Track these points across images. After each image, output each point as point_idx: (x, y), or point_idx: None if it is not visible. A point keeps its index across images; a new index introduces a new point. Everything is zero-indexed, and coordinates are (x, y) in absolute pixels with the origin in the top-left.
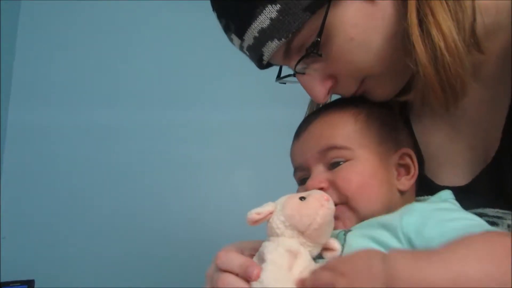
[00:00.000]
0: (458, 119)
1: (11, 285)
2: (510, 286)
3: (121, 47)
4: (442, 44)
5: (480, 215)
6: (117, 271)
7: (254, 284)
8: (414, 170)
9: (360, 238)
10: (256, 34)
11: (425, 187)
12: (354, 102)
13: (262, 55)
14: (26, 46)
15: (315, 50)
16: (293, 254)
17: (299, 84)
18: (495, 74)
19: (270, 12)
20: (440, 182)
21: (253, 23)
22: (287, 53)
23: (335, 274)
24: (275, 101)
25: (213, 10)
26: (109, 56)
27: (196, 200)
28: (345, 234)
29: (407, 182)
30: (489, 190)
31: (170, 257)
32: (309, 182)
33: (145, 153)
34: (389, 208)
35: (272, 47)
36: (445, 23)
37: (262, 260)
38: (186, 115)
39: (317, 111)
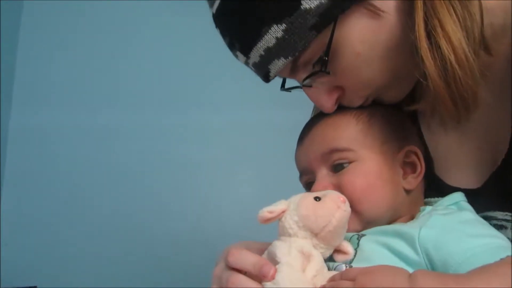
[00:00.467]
0: (466, 121)
1: None
2: None
3: (122, 49)
4: (452, 57)
5: (489, 218)
6: (119, 275)
7: (267, 284)
8: (421, 168)
9: (374, 244)
10: (262, 53)
11: (436, 187)
12: None
13: (268, 72)
14: (27, 48)
15: (322, 68)
16: (306, 256)
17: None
18: (503, 75)
19: (276, 31)
20: (450, 182)
21: (259, 42)
22: (293, 69)
23: (355, 285)
24: (276, 102)
25: (216, 27)
26: (110, 58)
27: (197, 201)
28: (358, 239)
29: (413, 181)
30: (498, 193)
31: (172, 259)
32: (314, 187)
33: (146, 155)
34: (395, 209)
35: (278, 65)
36: (454, 35)
37: (273, 260)
38: (187, 116)
39: (319, 114)
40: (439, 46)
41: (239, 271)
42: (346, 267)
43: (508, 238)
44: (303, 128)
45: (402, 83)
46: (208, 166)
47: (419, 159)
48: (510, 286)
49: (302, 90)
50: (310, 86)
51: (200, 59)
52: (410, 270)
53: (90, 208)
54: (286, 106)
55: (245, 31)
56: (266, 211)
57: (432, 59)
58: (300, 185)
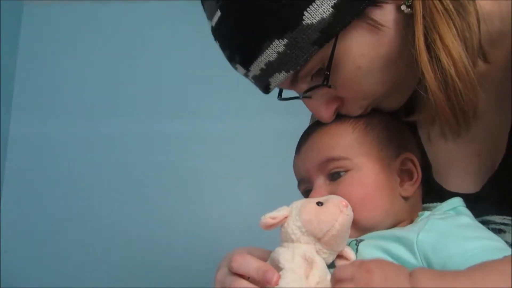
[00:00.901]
0: (465, 132)
1: None
2: None
3: (122, 57)
4: (452, 70)
5: (488, 222)
6: (119, 283)
7: None
8: (417, 175)
9: (373, 249)
10: (263, 66)
11: (435, 193)
12: None
13: (268, 84)
14: (27, 56)
15: (324, 82)
16: (309, 263)
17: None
18: (500, 81)
19: (278, 46)
20: (449, 188)
21: (260, 56)
22: (293, 81)
23: (355, 285)
24: (276, 110)
25: (216, 39)
26: (110, 67)
27: (198, 210)
28: (357, 244)
29: (410, 188)
30: (496, 197)
31: (173, 266)
32: (311, 195)
33: (146, 163)
34: (393, 216)
35: (279, 78)
36: (454, 48)
37: (276, 267)
38: (187, 125)
39: (316, 123)
40: (439, 60)
41: (242, 276)
42: None
43: (508, 242)
44: (300, 137)
45: (401, 92)
46: (208, 174)
47: (415, 166)
48: (510, 283)
49: (300, 99)
50: (310, 98)
51: (200, 67)
52: None
53: (90, 216)
54: (286, 113)
55: (246, 45)
56: (269, 217)
57: (432, 72)
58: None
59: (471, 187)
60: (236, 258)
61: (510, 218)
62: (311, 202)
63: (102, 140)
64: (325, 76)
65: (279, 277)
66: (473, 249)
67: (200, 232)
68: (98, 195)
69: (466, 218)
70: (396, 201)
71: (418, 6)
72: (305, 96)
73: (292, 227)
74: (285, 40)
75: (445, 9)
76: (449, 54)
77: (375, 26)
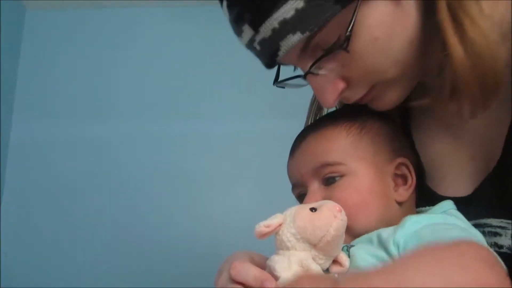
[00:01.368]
0: (459, 129)
1: None
2: None
3: (123, 60)
4: (478, 38)
5: (484, 225)
6: (120, 284)
7: None
8: (412, 180)
9: (364, 254)
10: (276, 26)
11: (427, 198)
12: (347, 114)
13: (278, 49)
14: (29, 60)
15: (344, 45)
16: (305, 270)
17: (298, 95)
18: None
19: (297, 1)
20: (442, 192)
21: (275, 13)
22: (304, 50)
23: None
24: (276, 112)
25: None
26: (111, 69)
27: (199, 211)
28: (347, 250)
29: (404, 193)
30: (492, 200)
31: (173, 269)
32: (306, 200)
33: (146, 166)
34: (387, 221)
35: (292, 41)
36: (481, 19)
37: (273, 275)
38: (187, 127)
39: (310, 126)
40: (465, 29)
41: (242, 283)
42: None
43: (503, 245)
44: (294, 140)
45: (406, 82)
46: (208, 175)
47: (409, 171)
48: (422, 281)
49: (295, 88)
50: (317, 74)
51: (200, 68)
52: None
53: (91, 218)
54: (287, 118)
55: (260, 0)
56: (263, 226)
57: (457, 39)
58: None
59: (465, 191)
60: (235, 265)
61: (507, 221)
62: (304, 208)
63: (102, 142)
64: (345, 38)
65: (277, 286)
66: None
67: (200, 233)
68: (98, 197)
69: (445, 216)
70: (390, 206)
71: None
72: (311, 71)
73: (287, 235)
74: None
75: None
76: (476, 24)
77: None
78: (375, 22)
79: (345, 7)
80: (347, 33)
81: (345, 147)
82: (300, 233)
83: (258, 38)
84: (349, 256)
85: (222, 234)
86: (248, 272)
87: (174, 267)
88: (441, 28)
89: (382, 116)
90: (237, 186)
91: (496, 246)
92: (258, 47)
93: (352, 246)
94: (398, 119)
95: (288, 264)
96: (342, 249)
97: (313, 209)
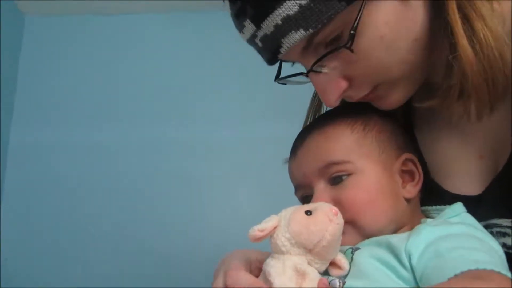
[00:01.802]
0: (465, 128)
1: None
2: None
3: (122, 65)
4: (489, 39)
5: (492, 225)
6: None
7: None
8: (419, 176)
9: (368, 258)
10: (279, 22)
11: (435, 194)
12: (349, 111)
13: (280, 46)
14: (28, 65)
15: (348, 44)
16: (301, 274)
17: (299, 98)
18: None
19: None
20: (449, 189)
21: (278, 9)
22: (306, 48)
23: None
24: (276, 116)
25: None
26: (110, 74)
27: (198, 216)
28: (352, 252)
29: (412, 189)
30: (501, 199)
31: (173, 274)
32: (313, 202)
33: (146, 170)
34: (397, 220)
35: (295, 38)
36: (491, 19)
37: (267, 281)
38: (187, 131)
39: (311, 125)
40: (475, 30)
41: None
42: (340, 281)
43: (507, 244)
44: (295, 140)
45: (410, 82)
46: (209, 180)
47: (416, 166)
48: None
49: (297, 84)
50: (319, 72)
51: (200, 73)
52: (403, 284)
53: (90, 223)
54: (287, 121)
55: None
56: (257, 230)
57: (467, 40)
58: None
59: (472, 190)
60: (231, 274)
61: None
62: (300, 211)
63: (102, 146)
64: (349, 36)
65: None
66: (445, 261)
67: (201, 237)
68: (98, 201)
69: (461, 227)
70: (399, 204)
71: None
72: (314, 69)
73: (282, 239)
74: None
75: None
76: (486, 25)
77: None
78: (380, 21)
79: (350, 4)
80: (352, 32)
81: (351, 145)
82: (295, 238)
83: (260, 34)
84: (352, 259)
85: (223, 238)
86: (243, 281)
87: (174, 270)
88: (451, 29)
89: (384, 113)
90: (238, 190)
91: (505, 247)
92: (259, 43)
93: (358, 249)
94: (400, 115)
95: (283, 268)
96: (347, 252)
97: (308, 212)
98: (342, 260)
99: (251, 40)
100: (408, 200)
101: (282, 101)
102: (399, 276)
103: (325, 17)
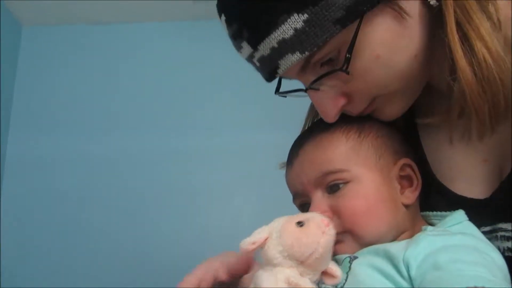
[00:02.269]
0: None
1: None
2: None
3: (120, 77)
4: (489, 60)
5: (498, 230)
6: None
7: None
8: (417, 181)
9: (366, 268)
10: (275, 45)
11: (442, 195)
12: (344, 118)
13: (277, 67)
14: (26, 77)
15: (343, 67)
16: (294, 287)
17: (297, 106)
18: None
19: (296, 21)
20: (455, 191)
21: (274, 32)
22: (304, 68)
23: None
24: (274, 124)
25: (221, 12)
26: (108, 85)
27: (197, 225)
28: (350, 262)
29: (411, 195)
30: (507, 204)
31: (172, 284)
32: (311, 211)
33: (144, 180)
34: (397, 227)
35: (291, 60)
36: (490, 39)
37: None
38: (185, 141)
39: (306, 133)
40: (474, 50)
41: None
42: None
43: (509, 248)
44: (291, 149)
45: (408, 95)
46: (207, 188)
47: (414, 172)
48: None
49: (299, 98)
50: (317, 89)
51: (198, 84)
52: None
53: (89, 233)
54: (284, 127)
55: (259, 18)
56: (248, 243)
57: (467, 62)
58: None
59: (477, 193)
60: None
61: None
62: (291, 222)
63: (100, 157)
64: (345, 59)
65: None
66: (443, 274)
67: (200, 245)
68: (96, 211)
69: (462, 237)
70: (399, 210)
71: None
72: (312, 87)
73: (273, 252)
74: (305, 15)
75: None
76: (485, 45)
77: (401, 14)
78: (376, 41)
79: (345, 27)
80: (347, 55)
81: (346, 153)
82: (287, 251)
83: (257, 55)
84: (350, 268)
85: (222, 245)
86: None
87: (173, 279)
88: (449, 48)
89: (379, 120)
90: (236, 197)
91: (510, 251)
92: (257, 63)
93: (356, 257)
94: (402, 121)
95: (275, 282)
96: (344, 261)
97: (300, 223)
98: (334, 268)
99: (249, 60)
100: (407, 206)
101: (279, 109)
102: (397, 286)
103: (320, 40)
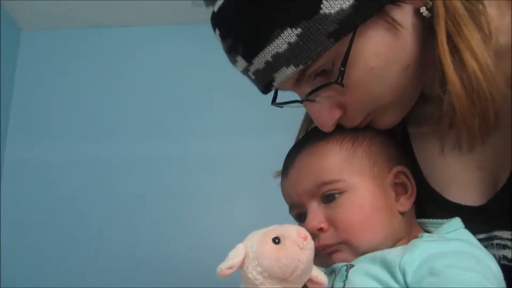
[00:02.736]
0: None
1: None
2: None
3: (118, 82)
4: (478, 73)
5: (493, 238)
6: None
7: None
8: (412, 188)
9: (362, 276)
10: (270, 59)
11: (437, 203)
12: (338, 127)
13: (272, 81)
14: (24, 82)
15: (338, 80)
16: None
17: (295, 111)
18: None
19: (289, 36)
20: (450, 198)
21: (268, 47)
22: (299, 80)
23: None
24: (272, 129)
25: (215, 27)
26: (106, 90)
27: (195, 231)
28: (347, 270)
29: (406, 202)
30: (504, 211)
31: None
32: (308, 223)
33: (143, 186)
34: (393, 235)
35: (286, 73)
36: (480, 52)
37: None
38: (183, 146)
39: (301, 142)
40: (464, 62)
41: None
42: None
43: (507, 256)
44: (286, 159)
45: (403, 105)
46: (205, 194)
47: (409, 179)
48: None
49: (296, 108)
50: (313, 101)
51: (195, 89)
52: None
53: (87, 239)
54: (283, 134)
55: (253, 33)
56: (225, 268)
57: (457, 75)
58: None
59: (472, 200)
60: None
61: None
62: (267, 240)
63: (98, 163)
64: (339, 72)
65: None
66: (439, 280)
67: (198, 251)
68: (94, 217)
69: (458, 244)
70: (394, 218)
71: (441, 9)
72: (308, 99)
73: (253, 273)
74: (299, 30)
75: (469, 10)
76: (475, 57)
77: (394, 25)
78: (370, 53)
79: (339, 40)
80: (341, 68)
81: (340, 163)
82: (268, 271)
83: (252, 69)
84: (347, 277)
85: (220, 252)
86: None
87: (171, 284)
88: (439, 60)
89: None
90: (236, 203)
91: (506, 259)
92: (252, 77)
93: (353, 266)
94: (396, 128)
95: None
96: (341, 269)
97: (276, 240)
98: (318, 276)
99: (244, 73)
100: (402, 214)
101: (279, 113)
102: None
103: (314, 54)
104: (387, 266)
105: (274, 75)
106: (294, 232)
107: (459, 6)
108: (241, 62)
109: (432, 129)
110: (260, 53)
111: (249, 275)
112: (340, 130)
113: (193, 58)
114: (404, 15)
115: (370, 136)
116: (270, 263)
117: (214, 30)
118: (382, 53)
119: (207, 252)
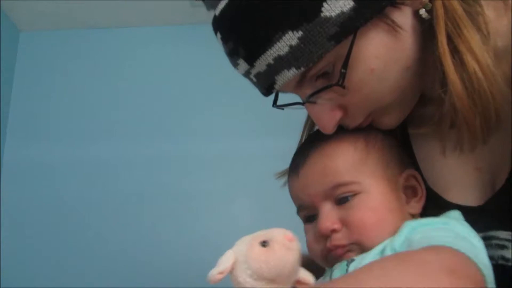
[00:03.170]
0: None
1: None
2: None
3: (117, 83)
4: (479, 74)
5: (491, 238)
6: None
7: None
8: (422, 191)
9: None
10: (271, 62)
11: (436, 204)
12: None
13: (274, 83)
14: (23, 83)
15: (339, 82)
16: None
17: (295, 113)
18: None
19: (291, 38)
20: (449, 199)
21: (269, 50)
22: (300, 82)
23: None
24: (271, 131)
25: (217, 30)
26: (104, 91)
27: (194, 232)
28: (347, 265)
29: (417, 205)
30: (502, 212)
31: None
32: (321, 224)
33: (142, 186)
34: None
35: (287, 76)
36: (480, 52)
37: None
38: (183, 147)
39: (312, 142)
40: (465, 63)
41: None
42: None
43: (508, 257)
44: (295, 157)
45: (404, 106)
46: (204, 195)
47: (419, 182)
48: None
49: (296, 110)
50: (314, 103)
51: (195, 90)
52: None
53: (86, 239)
54: (283, 135)
55: (254, 36)
56: (216, 274)
57: (457, 75)
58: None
59: (470, 201)
60: None
61: None
62: (255, 243)
63: (97, 163)
64: (340, 74)
65: None
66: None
67: (197, 253)
68: (93, 218)
69: (443, 219)
70: (405, 220)
71: (440, 10)
72: (309, 101)
73: (243, 276)
74: (300, 33)
75: (468, 11)
76: (475, 58)
77: (394, 27)
78: (371, 54)
79: (339, 43)
80: (342, 71)
81: (355, 164)
82: (257, 274)
83: (254, 71)
84: (347, 271)
85: (220, 253)
86: None
87: (170, 286)
88: (440, 61)
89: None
90: (235, 205)
91: (503, 259)
92: (254, 79)
93: (353, 260)
94: (397, 130)
95: None
96: (342, 265)
97: (264, 243)
98: (306, 277)
99: (246, 76)
100: (413, 216)
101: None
102: None
103: (315, 56)
104: (383, 253)
105: (275, 77)
106: (280, 235)
107: (458, 7)
108: (243, 65)
109: (433, 130)
110: (262, 56)
111: (240, 279)
112: (351, 130)
113: (193, 58)
114: (404, 17)
115: (381, 137)
116: (259, 265)
117: (216, 34)
118: (382, 55)
119: (207, 252)
